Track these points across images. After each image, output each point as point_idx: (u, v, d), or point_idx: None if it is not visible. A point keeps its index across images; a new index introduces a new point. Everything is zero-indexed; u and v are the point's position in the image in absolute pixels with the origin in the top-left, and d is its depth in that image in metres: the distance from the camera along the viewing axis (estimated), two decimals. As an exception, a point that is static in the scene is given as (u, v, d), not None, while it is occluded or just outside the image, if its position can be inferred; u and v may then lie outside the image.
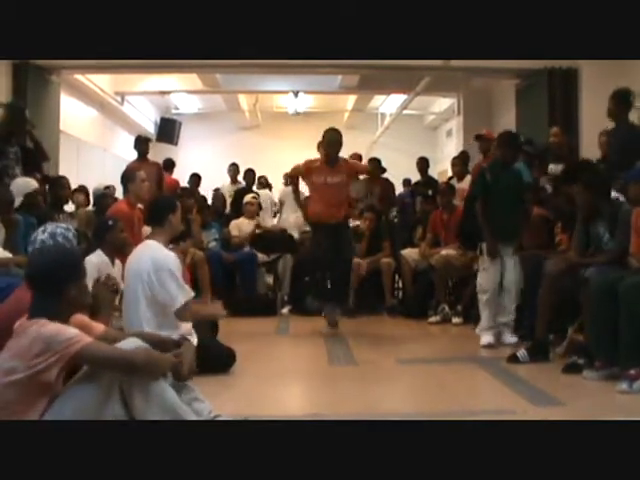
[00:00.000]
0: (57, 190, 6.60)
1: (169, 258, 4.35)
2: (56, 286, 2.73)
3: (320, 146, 6.69)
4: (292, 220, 9.39)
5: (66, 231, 3.79)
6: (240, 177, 10.35)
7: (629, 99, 5.97)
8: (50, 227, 3.82)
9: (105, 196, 7.22)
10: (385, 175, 9.40)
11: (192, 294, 4.31)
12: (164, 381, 2.85)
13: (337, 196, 6.40)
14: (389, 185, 9.45)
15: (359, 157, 9.45)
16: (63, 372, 2.67)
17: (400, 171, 9.98)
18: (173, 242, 4.70)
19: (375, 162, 9.31)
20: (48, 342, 2.55)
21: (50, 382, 2.58)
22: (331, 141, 6.39)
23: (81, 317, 2.96)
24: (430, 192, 8.62)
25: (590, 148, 6.58)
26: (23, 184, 5.69)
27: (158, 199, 4.99)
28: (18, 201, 5.48)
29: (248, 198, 8.84)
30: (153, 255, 4.34)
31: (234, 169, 10.41)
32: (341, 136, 6.40)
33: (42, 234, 3.76)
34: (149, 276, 4.26)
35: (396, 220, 9.32)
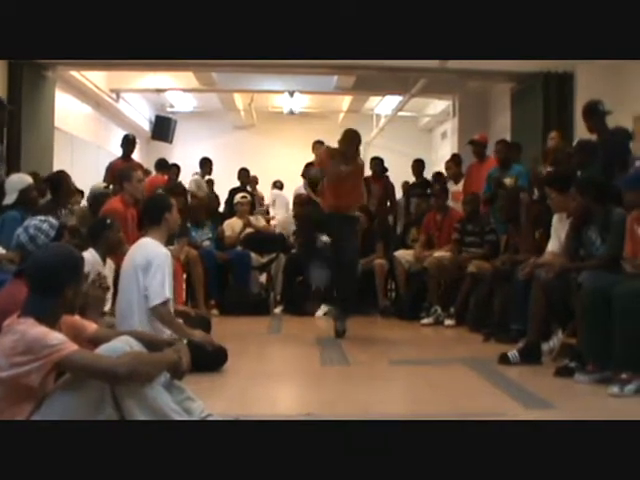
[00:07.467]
0: (61, 185, 6.48)
1: (161, 254, 4.34)
2: (55, 286, 2.69)
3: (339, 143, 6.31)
4: (281, 219, 9.47)
5: (40, 222, 3.74)
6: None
7: (598, 109, 5.91)
8: (26, 222, 3.82)
9: (102, 195, 7.14)
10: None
11: (169, 296, 4.28)
12: (157, 384, 2.81)
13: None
14: (390, 185, 9.40)
15: None
16: (51, 377, 2.65)
17: (394, 173, 9.97)
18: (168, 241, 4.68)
19: (377, 161, 9.29)
20: (31, 345, 2.52)
21: (33, 386, 2.54)
22: (347, 138, 6.21)
23: (73, 316, 2.93)
24: (428, 190, 8.66)
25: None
26: (17, 180, 5.62)
27: (153, 198, 5.01)
28: (13, 197, 5.44)
29: (238, 198, 8.83)
30: (146, 252, 4.33)
31: (209, 164, 10.09)
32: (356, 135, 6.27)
33: (19, 229, 3.78)
34: (141, 272, 4.26)
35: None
